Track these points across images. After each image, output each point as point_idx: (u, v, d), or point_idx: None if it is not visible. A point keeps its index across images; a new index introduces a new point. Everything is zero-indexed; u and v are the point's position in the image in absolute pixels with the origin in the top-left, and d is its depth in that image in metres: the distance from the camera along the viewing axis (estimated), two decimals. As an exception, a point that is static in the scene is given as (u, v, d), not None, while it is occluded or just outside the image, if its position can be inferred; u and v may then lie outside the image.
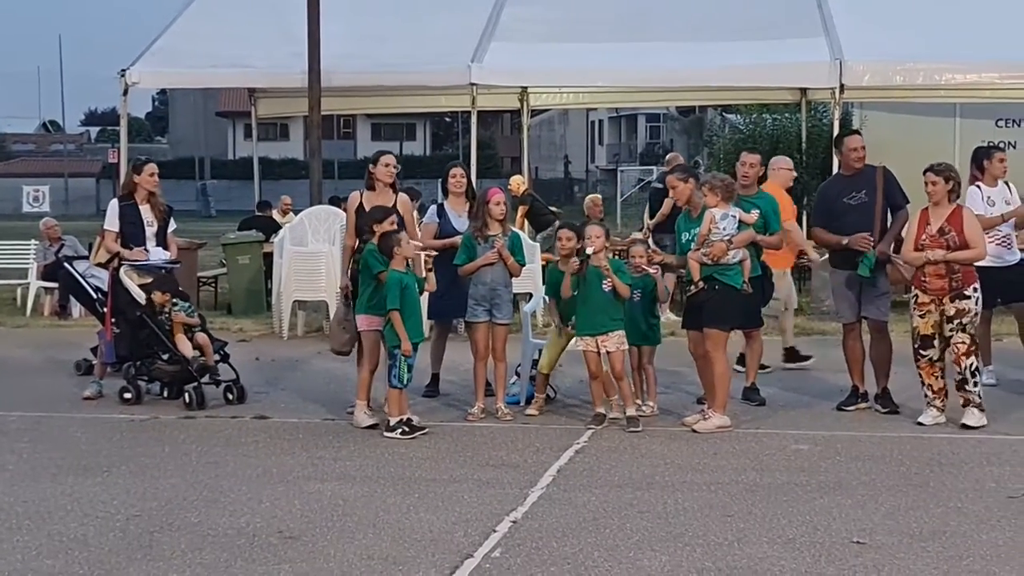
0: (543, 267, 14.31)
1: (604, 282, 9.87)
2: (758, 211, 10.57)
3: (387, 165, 10.73)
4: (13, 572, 6.54)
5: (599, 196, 20.11)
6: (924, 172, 10.15)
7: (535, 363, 11.06)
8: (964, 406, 10.05)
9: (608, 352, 9.91)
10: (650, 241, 13.15)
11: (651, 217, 18.35)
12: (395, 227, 10.07)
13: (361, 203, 10.64)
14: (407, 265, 9.75)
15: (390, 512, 7.66)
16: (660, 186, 18.16)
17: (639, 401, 10.40)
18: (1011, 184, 12.28)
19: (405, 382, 9.67)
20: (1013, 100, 19.19)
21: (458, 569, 6.56)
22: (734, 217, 10.09)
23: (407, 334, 9.58)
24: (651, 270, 10.51)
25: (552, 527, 7.34)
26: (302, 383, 12.26)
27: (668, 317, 16.18)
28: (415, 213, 12.27)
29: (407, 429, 9.63)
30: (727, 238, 9.99)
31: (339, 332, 10.51)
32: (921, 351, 10.16)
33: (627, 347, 10.07)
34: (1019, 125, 20.02)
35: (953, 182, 10.10)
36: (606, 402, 10.15)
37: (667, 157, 20.86)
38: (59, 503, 7.84)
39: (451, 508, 7.71)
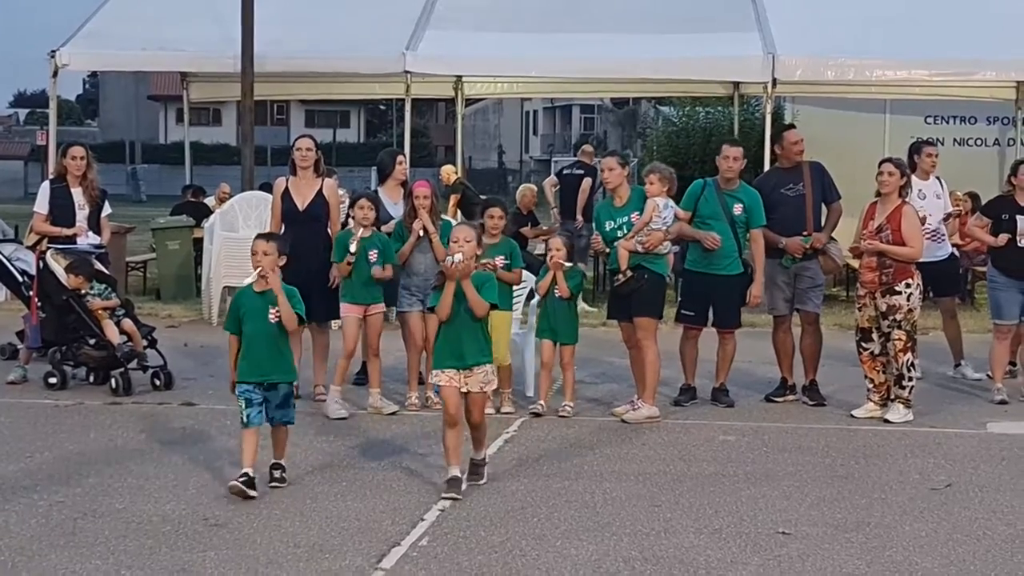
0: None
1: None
2: (742, 204, 10.58)
3: (299, 149, 10.63)
4: (-68, 558, 6.44)
5: (533, 187, 20.08)
6: (881, 163, 10.27)
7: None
8: (892, 400, 10.16)
9: (470, 392, 7.79)
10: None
11: (561, 208, 18.42)
12: (372, 211, 9.96)
13: (287, 189, 10.56)
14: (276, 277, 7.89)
15: (317, 500, 7.62)
16: (580, 173, 18.29)
17: (558, 401, 10.27)
18: (942, 179, 12.45)
19: (245, 420, 7.76)
20: (942, 98, 19.45)
21: (385, 557, 6.55)
22: (672, 208, 10.14)
23: (244, 367, 7.82)
24: (567, 265, 10.29)
25: (480, 516, 7.34)
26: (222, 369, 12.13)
27: (583, 307, 16.25)
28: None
29: (242, 483, 7.55)
30: (665, 228, 10.03)
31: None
32: (862, 344, 10.27)
33: (495, 386, 8.15)
34: (948, 122, 20.24)
35: (906, 178, 10.25)
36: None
37: (582, 146, 20.95)
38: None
39: (379, 496, 7.68)
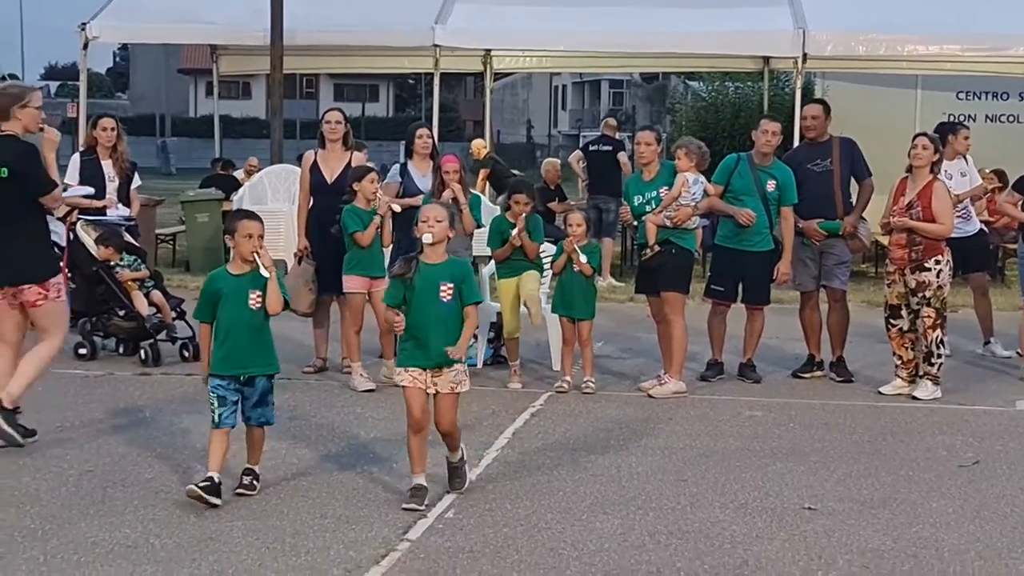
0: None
1: (443, 288, 6.91)
2: (775, 180, 10.53)
3: (328, 122, 10.64)
4: (-37, 526, 6.50)
5: (557, 161, 20.09)
6: (915, 136, 10.22)
7: (492, 325, 11.05)
8: (921, 377, 10.13)
9: (439, 393, 6.95)
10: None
11: (590, 183, 18.29)
12: (377, 186, 9.91)
13: (316, 161, 10.59)
14: (258, 261, 6.97)
15: (344, 472, 7.65)
16: (607, 149, 18.12)
17: (581, 377, 10.16)
18: (968, 157, 12.40)
19: (216, 420, 7.02)
20: (974, 73, 19.32)
21: (411, 529, 6.57)
22: (702, 184, 10.11)
23: (218, 359, 7.02)
24: (582, 257, 10.02)
25: (506, 489, 7.36)
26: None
27: (611, 282, 16.27)
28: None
29: (203, 488, 6.80)
30: (694, 203, 10.01)
31: (305, 293, 10.38)
32: (890, 321, 10.23)
33: (467, 388, 7.08)
34: (980, 98, 20.10)
35: (939, 154, 10.17)
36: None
37: (605, 120, 20.87)
38: (11, 457, 7.78)
39: (406, 468, 7.67)
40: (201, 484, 6.82)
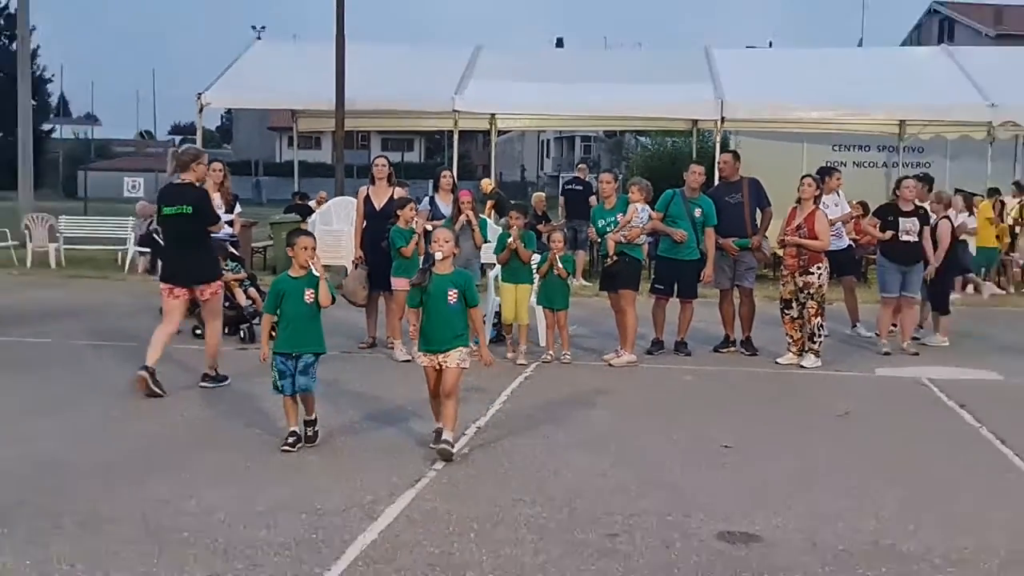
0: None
1: (449, 293, 6.68)
2: (701, 209, 10.51)
3: (377, 165, 10.63)
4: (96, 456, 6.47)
5: (543, 194, 20.08)
6: (803, 177, 10.27)
7: (496, 313, 11.02)
8: (806, 352, 10.11)
9: (446, 367, 6.68)
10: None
11: (567, 212, 18.27)
12: (414, 212, 9.81)
13: (368, 195, 10.56)
14: (316, 269, 6.92)
15: (387, 421, 7.59)
16: (579, 188, 18.10)
17: (560, 351, 10.22)
18: (840, 192, 12.40)
19: (280, 388, 6.80)
20: (845, 131, 19.41)
21: (436, 461, 6.53)
22: (647, 211, 10.10)
23: (280, 340, 6.87)
24: (558, 262, 9.92)
25: (506, 431, 7.33)
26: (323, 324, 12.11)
27: (581, 283, 16.21)
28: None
29: (288, 443, 6.74)
30: (642, 225, 10.00)
31: (360, 290, 10.41)
32: (784, 311, 10.23)
33: (468, 365, 6.74)
34: (849, 150, 20.15)
35: (820, 190, 10.18)
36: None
37: (578, 165, 20.88)
38: (144, 408, 7.77)
39: (424, 425, 7.36)
40: (289, 441, 6.71)
